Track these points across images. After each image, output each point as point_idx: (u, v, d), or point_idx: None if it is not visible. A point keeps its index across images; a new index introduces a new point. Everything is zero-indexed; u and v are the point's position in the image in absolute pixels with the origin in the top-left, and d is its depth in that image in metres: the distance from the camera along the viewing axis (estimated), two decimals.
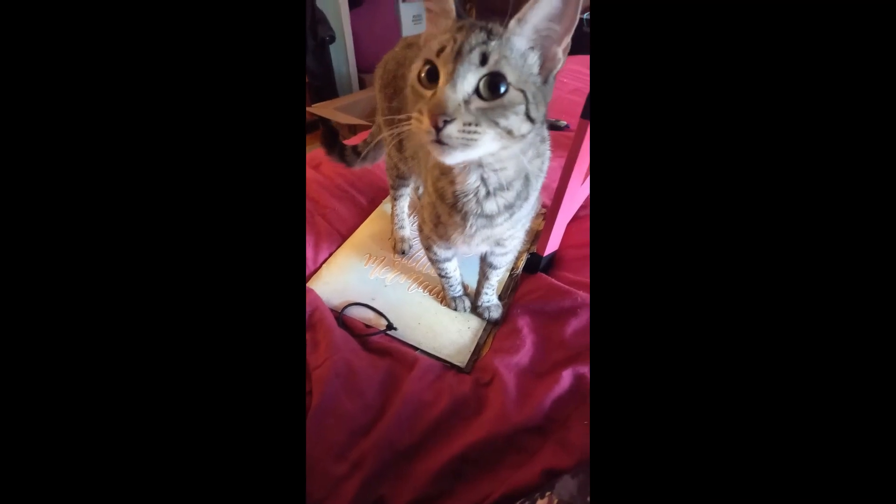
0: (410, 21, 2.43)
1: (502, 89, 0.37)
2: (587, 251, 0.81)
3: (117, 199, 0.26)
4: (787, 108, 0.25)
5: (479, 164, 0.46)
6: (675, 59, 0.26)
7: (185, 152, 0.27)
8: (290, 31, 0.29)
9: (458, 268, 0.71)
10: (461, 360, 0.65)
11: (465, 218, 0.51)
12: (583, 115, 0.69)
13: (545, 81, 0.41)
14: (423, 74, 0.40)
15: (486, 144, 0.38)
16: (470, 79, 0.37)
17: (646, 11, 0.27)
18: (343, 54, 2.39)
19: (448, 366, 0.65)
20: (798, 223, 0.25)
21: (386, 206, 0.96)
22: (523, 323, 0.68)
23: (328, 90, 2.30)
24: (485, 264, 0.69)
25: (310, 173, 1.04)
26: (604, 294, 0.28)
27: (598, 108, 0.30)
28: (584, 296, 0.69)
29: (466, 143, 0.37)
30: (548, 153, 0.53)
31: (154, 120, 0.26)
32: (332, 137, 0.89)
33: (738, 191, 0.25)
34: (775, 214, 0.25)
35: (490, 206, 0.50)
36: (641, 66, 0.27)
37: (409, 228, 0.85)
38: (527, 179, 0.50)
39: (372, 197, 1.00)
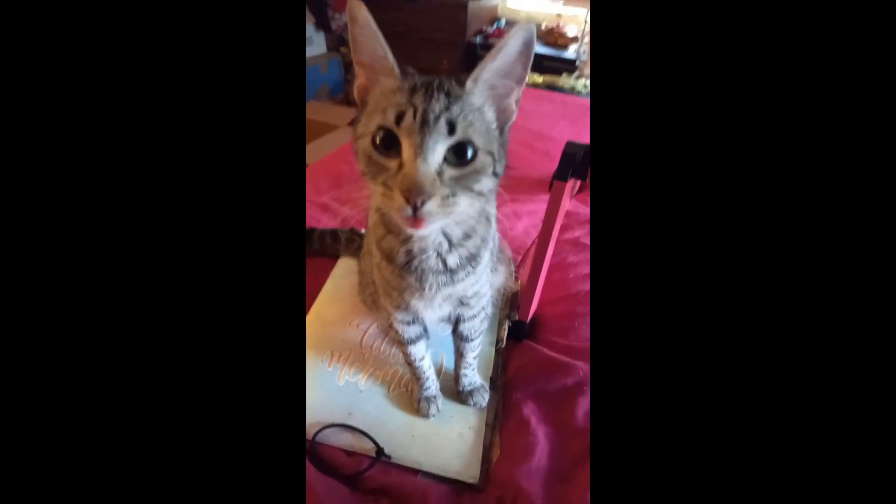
0: None
1: (469, 155, 0.36)
2: (566, 307, 0.77)
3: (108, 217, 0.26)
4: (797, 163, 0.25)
5: None
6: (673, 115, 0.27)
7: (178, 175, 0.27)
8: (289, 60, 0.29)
9: (429, 357, 0.61)
10: (472, 474, 0.55)
11: (421, 278, 0.46)
12: (555, 176, 0.64)
13: (501, 132, 0.40)
14: (378, 141, 0.36)
15: (461, 209, 0.37)
16: (440, 150, 0.35)
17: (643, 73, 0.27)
18: None
19: (459, 485, 0.55)
20: (798, 281, 0.25)
21: (341, 278, 0.82)
22: (529, 412, 0.61)
23: None
24: (457, 338, 0.61)
25: None
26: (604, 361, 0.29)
27: (599, 171, 0.30)
28: (585, 367, 0.64)
29: (445, 215, 0.36)
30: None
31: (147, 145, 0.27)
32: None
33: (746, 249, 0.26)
34: (783, 273, 0.26)
35: (452, 259, 0.46)
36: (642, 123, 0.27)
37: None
38: (487, 221, 0.48)
39: (317, 266, 0.85)
